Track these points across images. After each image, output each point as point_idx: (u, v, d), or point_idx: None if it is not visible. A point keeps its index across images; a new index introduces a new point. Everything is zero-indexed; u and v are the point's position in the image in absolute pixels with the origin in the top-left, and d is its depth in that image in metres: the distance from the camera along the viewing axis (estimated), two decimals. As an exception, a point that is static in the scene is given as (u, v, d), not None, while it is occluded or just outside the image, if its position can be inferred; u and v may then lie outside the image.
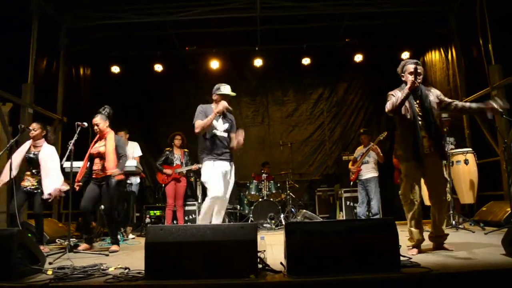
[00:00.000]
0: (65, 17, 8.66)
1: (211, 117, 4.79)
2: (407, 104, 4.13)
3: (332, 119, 11.02)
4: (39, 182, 5.37)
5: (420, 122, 4.09)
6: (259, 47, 10.25)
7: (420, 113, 4.13)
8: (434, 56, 9.68)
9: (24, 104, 7.25)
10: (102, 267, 3.48)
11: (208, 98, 11.06)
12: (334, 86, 11.15)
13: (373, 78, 10.76)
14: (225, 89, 5.02)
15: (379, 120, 10.71)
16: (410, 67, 4.19)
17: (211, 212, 4.78)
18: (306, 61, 10.37)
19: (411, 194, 4.16)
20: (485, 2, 7.24)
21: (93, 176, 5.35)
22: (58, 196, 5.46)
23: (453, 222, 6.07)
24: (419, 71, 4.14)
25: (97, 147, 5.35)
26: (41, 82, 7.92)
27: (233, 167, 5.00)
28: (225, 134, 4.97)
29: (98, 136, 5.44)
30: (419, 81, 4.15)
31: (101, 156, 5.29)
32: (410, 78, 4.10)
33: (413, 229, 4.15)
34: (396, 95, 4.18)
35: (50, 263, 3.83)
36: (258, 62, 10.33)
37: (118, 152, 5.33)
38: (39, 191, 5.38)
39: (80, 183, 5.31)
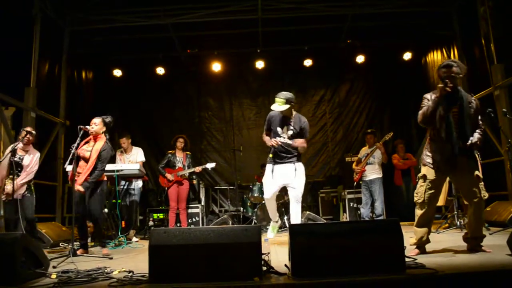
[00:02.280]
0: (67, 21, 8.69)
1: (269, 144, 5.23)
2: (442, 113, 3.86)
3: (334, 120, 10.99)
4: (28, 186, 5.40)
5: (455, 134, 3.85)
6: (261, 49, 10.25)
7: (455, 123, 3.87)
8: (436, 57, 9.67)
9: (27, 108, 7.26)
10: (106, 270, 3.47)
11: (210, 100, 11.21)
12: (336, 88, 11.12)
13: (375, 79, 10.77)
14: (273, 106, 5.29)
15: (382, 121, 10.71)
16: (442, 71, 3.91)
17: (270, 208, 5.62)
18: (308, 62, 10.34)
19: (430, 197, 4.02)
20: (486, 1, 7.23)
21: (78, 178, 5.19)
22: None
23: (458, 223, 6.05)
24: (452, 74, 3.84)
25: (84, 150, 5.24)
26: (44, 86, 7.93)
27: (299, 167, 5.29)
28: (288, 141, 5.25)
29: (89, 137, 5.32)
30: (450, 85, 3.77)
31: (86, 160, 5.20)
32: (440, 84, 3.80)
33: (418, 228, 4.06)
34: (429, 101, 3.92)
35: (54, 267, 3.83)
36: (260, 64, 10.32)
37: (96, 164, 5.18)
38: (28, 194, 5.39)
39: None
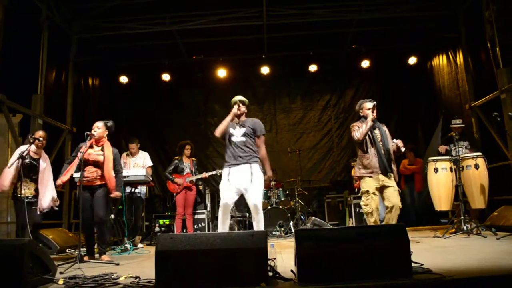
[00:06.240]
0: (74, 28, 8.75)
1: (227, 120, 5.16)
2: (369, 133, 5.39)
3: (340, 125, 10.99)
4: (36, 190, 5.40)
5: (381, 147, 5.37)
6: (266, 55, 10.30)
7: (380, 141, 5.41)
8: (441, 61, 9.64)
9: (34, 115, 7.30)
10: (112, 276, 3.48)
11: (215, 106, 11.26)
12: (341, 93, 11.13)
13: (381, 83, 10.76)
14: (236, 97, 5.39)
15: (388, 125, 10.45)
16: (369, 105, 5.49)
17: (222, 219, 4.96)
18: (313, 67, 10.38)
19: (376, 204, 5.28)
20: (491, 5, 7.21)
21: (85, 184, 5.15)
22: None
23: (465, 227, 6.00)
24: (375, 107, 5.45)
25: (94, 154, 5.26)
26: (51, 92, 7.97)
27: (256, 169, 5.00)
28: (243, 139, 5.12)
29: (91, 141, 5.30)
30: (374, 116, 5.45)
31: (97, 165, 5.24)
32: (371, 113, 5.42)
33: None
34: (360, 127, 5.39)
35: (61, 273, 3.84)
36: (265, 70, 10.36)
37: (115, 169, 5.35)
38: (36, 200, 5.40)
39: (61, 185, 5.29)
